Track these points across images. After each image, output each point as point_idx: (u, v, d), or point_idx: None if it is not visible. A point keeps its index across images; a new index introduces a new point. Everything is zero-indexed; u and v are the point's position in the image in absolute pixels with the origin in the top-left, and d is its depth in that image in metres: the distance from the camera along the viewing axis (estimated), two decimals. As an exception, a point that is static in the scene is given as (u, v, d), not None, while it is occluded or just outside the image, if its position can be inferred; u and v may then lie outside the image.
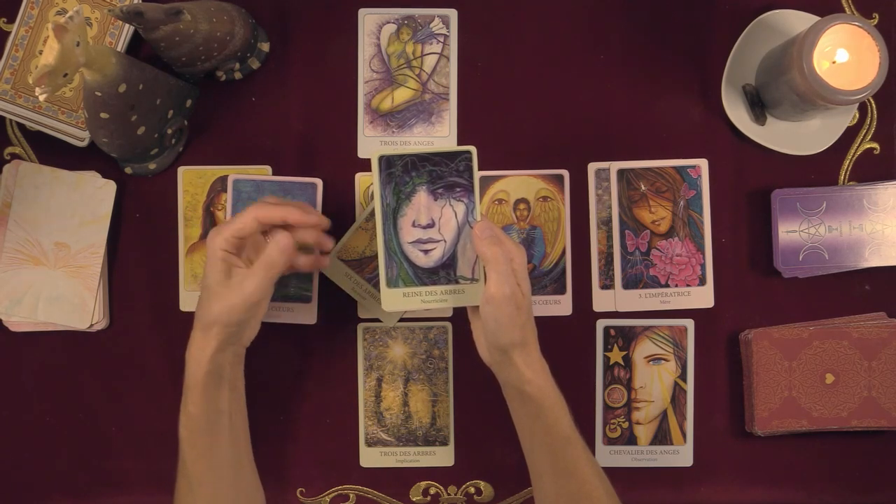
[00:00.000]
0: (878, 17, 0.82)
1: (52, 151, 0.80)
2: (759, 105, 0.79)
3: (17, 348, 0.80)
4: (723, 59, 0.80)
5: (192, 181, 0.80)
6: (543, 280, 0.81)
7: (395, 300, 0.70)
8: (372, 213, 0.79)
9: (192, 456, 0.68)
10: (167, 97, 0.75)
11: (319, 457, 0.81)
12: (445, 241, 0.69)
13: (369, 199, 0.81)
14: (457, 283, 0.70)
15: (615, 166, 0.80)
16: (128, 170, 0.80)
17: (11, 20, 0.78)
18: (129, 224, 0.80)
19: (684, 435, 0.81)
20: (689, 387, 0.81)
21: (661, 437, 0.81)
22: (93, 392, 0.80)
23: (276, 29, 0.81)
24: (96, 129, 0.71)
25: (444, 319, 0.81)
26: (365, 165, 0.80)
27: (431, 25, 0.81)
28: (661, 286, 0.80)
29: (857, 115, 0.82)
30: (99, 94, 0.67)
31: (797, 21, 0.79)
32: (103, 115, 0.69)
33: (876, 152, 0.82)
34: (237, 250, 0.68)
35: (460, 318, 0.80)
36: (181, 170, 0.80)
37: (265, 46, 0.80)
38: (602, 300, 0.81)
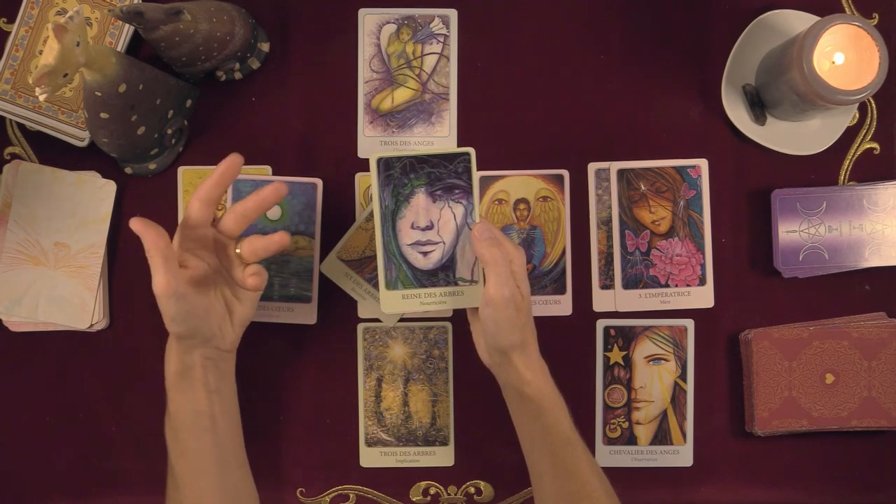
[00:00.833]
0: (878, 17, 0.82)
1: (52, 151, 0.79)
2: (759, 105, 0.79)
3: (17, 348, 0.80)
4: (723, 59, 0.80)
5: (192, 181, 0.80)
6: (543, 280, 0.81)
7: (394, 302, 0.69)
8: (372, 214, 0.79)
9: (174, 455, 0.68)
10: (167, 97, 0.75)
11: (319, 457, 0.81)
12: (444, 243, 0.69)
13: (369, 198, 0.81)
14: (456, 284, 0.70)
15: (615, 166, 0.80)
16: (128, 170, 0.80)
17: (11, 20, 0.78)
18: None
19: (684, 435, 0.81)
20: (689, 387, 0.81)
21: (661, 437, 0.81)
22: (93, 392, 0.80)
23: (276, 29, 0.81)
24: (96, 129, 0.71)
25: (444, 320, 0.81)
26: (365, 165, 0.80)
27: (431, 25, 0.81)
28: (661, 286, 0.80)
29: (857, 115, 0.82)
30: (99, 94, 0.67)
31: (797, 21, 0.79)
32: (103, 115, 0.69)
33: (876, 152, 0.82)
34: (198, 246, 0.66)
35: (460, 319, 0.80)
36: (181, 170, 0.80)
37: (265, 46, 0.80)
38: (602, 300, 0.81)
